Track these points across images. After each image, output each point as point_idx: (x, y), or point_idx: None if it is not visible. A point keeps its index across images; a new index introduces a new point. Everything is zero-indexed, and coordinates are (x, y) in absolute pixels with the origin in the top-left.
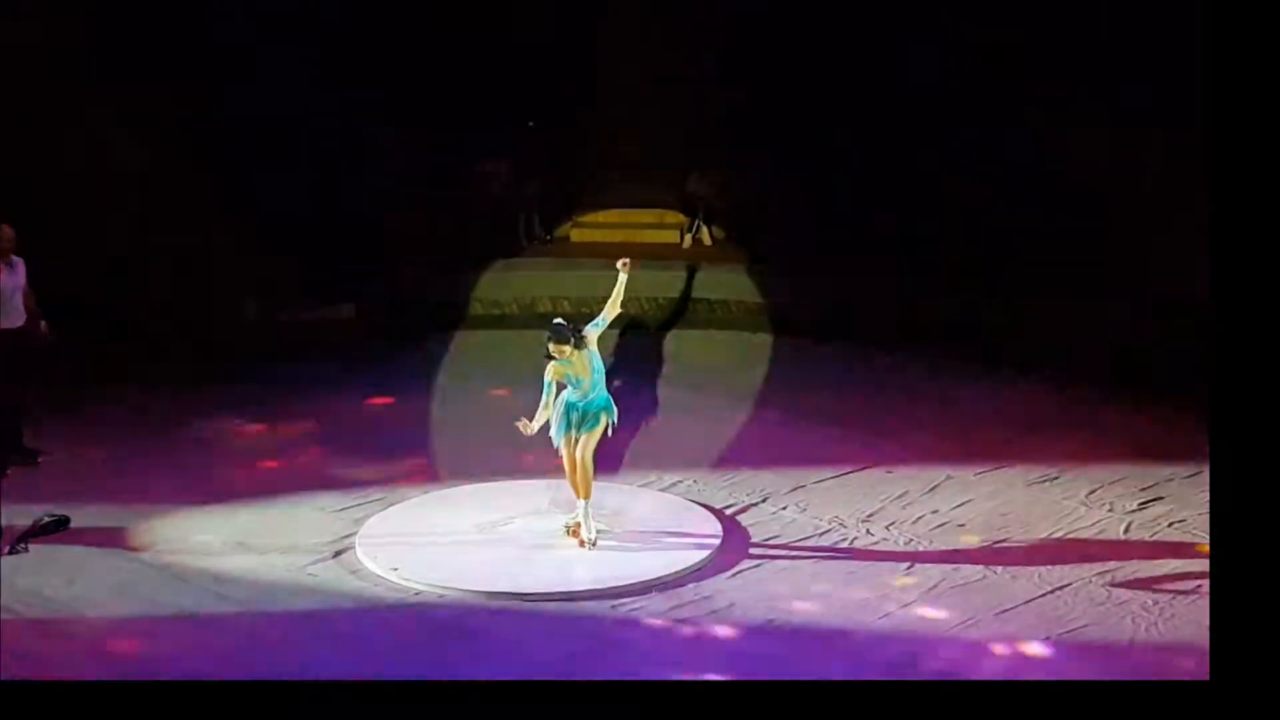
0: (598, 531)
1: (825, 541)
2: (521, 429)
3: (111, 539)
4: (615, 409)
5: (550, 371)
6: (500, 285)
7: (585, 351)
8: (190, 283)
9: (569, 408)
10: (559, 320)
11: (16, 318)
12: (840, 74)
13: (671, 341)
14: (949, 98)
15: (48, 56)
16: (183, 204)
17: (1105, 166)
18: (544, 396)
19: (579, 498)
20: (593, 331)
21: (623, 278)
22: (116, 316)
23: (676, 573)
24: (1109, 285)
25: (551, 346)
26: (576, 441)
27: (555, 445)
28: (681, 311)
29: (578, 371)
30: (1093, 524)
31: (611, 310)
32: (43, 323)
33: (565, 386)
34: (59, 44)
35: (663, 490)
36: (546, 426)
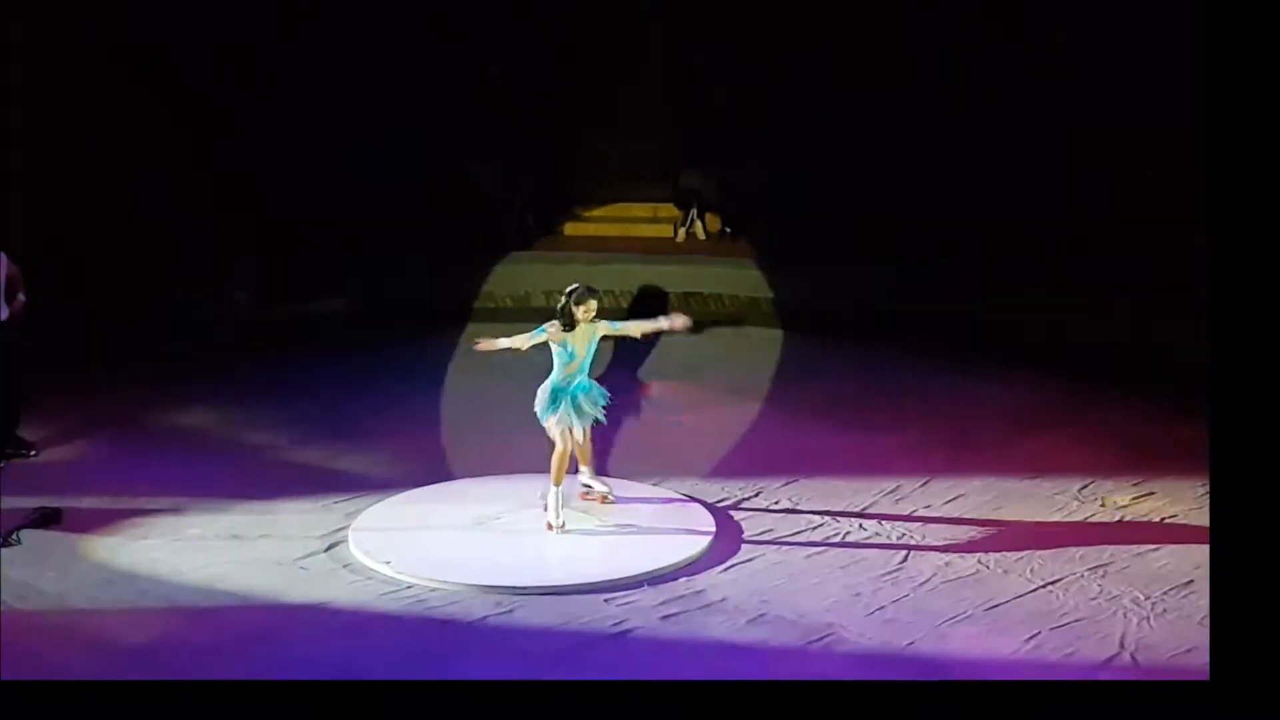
0: (600, 494)
1: (818, 536)
2: (484, 346)
3: (104, 531)
4: (604, 398)
5: (551, 327)
6: (494, 279)
7: (594, 328)
8: (183, 275)
9: (556, 391)
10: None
11: (1, 312)
12: (839, 73)
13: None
14: (947, 95)
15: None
16: (178, 198)
17: (1104, 160)
18: (530, 334)
19: (552, 484)
20: (606, 323)
21: (661, 324)
22: (112, 309)
23: (669, 566)
24: (1106, 280)
25: (580, 309)
26: (563, 426)
27: (541, 423)
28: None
29: (577, 342)
30: (1085, 519)
31: (629, 330)
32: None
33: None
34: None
35: (655, 484)
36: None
